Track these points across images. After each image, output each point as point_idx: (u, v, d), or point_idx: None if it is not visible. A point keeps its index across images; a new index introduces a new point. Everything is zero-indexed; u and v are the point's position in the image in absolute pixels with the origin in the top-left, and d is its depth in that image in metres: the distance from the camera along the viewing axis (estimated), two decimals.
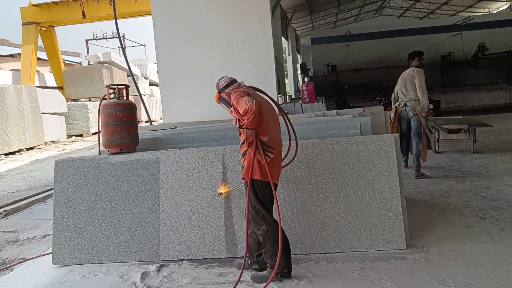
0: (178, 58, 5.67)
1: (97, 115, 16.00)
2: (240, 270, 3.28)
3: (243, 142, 3.20)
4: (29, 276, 3.93)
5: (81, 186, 4.09)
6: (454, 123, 8.02)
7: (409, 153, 6.76)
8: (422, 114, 6.32)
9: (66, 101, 17.87)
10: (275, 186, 3.23)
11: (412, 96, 6.40)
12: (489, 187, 5.40)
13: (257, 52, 5.68)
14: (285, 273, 3.27)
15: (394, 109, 6.67)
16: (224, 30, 5.61)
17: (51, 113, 16.13)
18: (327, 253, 3.76)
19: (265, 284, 3.14)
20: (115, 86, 4.27)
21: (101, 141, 4.34)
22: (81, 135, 17.82)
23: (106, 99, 4.27)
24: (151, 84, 26.17)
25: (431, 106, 8.35)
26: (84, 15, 10.15)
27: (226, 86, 3.37)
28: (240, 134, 3.25)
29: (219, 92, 3.40)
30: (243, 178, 3.23)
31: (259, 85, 5.50)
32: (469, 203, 4.83)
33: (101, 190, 4.06)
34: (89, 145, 15.26)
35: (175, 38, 5.65)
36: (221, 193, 3.56)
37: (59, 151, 14.16)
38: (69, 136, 17.50)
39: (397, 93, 6.74)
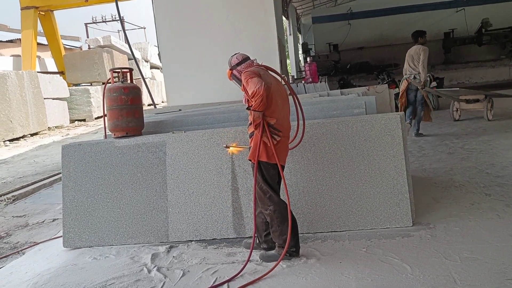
0: (179, 41, 5.63)
1: (99, 99, 15.88)
2: (250, 250, 3.33)
3: (251, 123, 3.21)
4: (41, 259, 4.00)
5: (89, 170, 4.13)
6: (471, 94, 8.98)
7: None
8: (418, 87, 7.40)
9: (68, 86, 17.82)
10: (282, 167, 3.25)
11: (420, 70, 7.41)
12: (494, 163, 5.41)
13: (260, 33, 5.64)
14: (293, 251, 3.31)
15: (404, 80, 7.65)
16: (226, 11, 5.55)
17: (53, 99, 16.10)
18: (334, 231, 3.81)
19: (275, 263, 3.19)
20: (119, 70, 4.26)
21: (106, 125, 4.36)
22: (84, 120, 17.83)
23: (110, 82, 4.26)
24: (152, 67, 26.02)
25: (434, 83, 8.61)
26: None
27: (238, 64, 3.35)
28: (249, 131, 3.29)
29: (231, 69, 3.39)
30: (250, 160, 3.25)
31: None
32: (474, 180, 4.85)
33: (108, 174, 4.10)
34: (92, 129, 15.28)
35: (177, 21, 5.60)
36: (227, 146, 3.57)
37: (62, 136, 14.20)
38: (72, 121, 17.51)
39: (405, 68, 7.71)
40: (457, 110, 9.03)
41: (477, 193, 4.42)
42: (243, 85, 3.19)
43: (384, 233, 3.66)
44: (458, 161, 5.72)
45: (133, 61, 23.04)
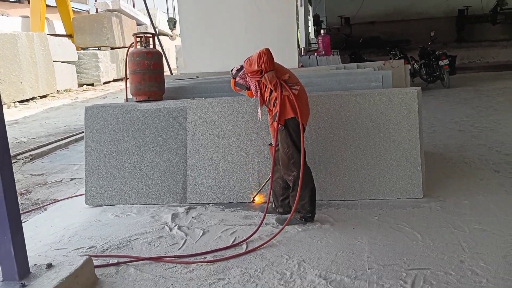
0: (200, 7, 5.63)
1: (107, 64, 15.75)
2: (263, 213, 3.48)
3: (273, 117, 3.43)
4: (64, 215, 4.18)
5: (111, 132, 4.25)
6: None
7: None
8: None
9: (76, 50, 17.78)
10: (303, 129, 3.38)
11: None
12: (503, 142, 5.51)
13: (278, 3, 5.63)
14: (309, 217, 3.47)
15: None
16: None
17: (62, 62, 16.11)
18: (346, 200, 3.96)
19: (290, 226, 3.36)
20: (142, 35, 4.32)
21: (128, 89, 4.45)
22: (92, 84, 17.85)
23: (133, 47, 4.33)
24: (160, 34, 25.80)
25: None
26: None
27: (239, 70, 3.59)
28: (272, 104, 3.46)
29: (234, 78, 3.63)
30: (278, 123, 3.35)
31: (278, 34, 5.50)
32: (484, 157, 4.96)
33: (130, 136, 4.23)
34: (101, 94, 15.36)
35: None
36: (253, 199, 3.92)
37: (72, 99, 14.30)
38: (80, 85, 17.54)
39: None
40: None
41: (486, 169, 4.54)
42: (247, 71, 3.41)
43: (396, 204, 3.81)
44: (469, 139, 5.82)
45: (140, 26, 22.84)
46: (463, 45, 17.51)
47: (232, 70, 3.68)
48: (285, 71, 3.47)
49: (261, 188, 3.88)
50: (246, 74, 3.50)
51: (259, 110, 3.64)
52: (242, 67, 3.57)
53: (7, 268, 2.54)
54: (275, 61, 3.40)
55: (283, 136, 3.38)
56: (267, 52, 3.28)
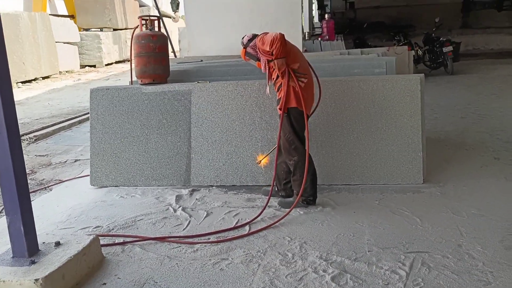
0: None
1: (109, 45, 15.74)
2: (268, 196, 3.55)
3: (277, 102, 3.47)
4: (70, 195, 4.25)
5: (116, 114, 4.30)
6: None
7: None
8: None
9: (78, 31, 17.70)
10: (307, 117, 3.42)
11: None
12: (504, 129, 5.55)
13: None
14: (310, 200, 3.54)
15: None
16: None
17: (64, 43, 16.06)
18: (348, 184, 4.02)
19: (290, 207, 3.43)
20: (147, 17, 4.33)
21: (133, 71, 4.48)
22: (94, 66, 17.83)
23: (139, 29, 4.34)
24: (162, 15, 25.60)
25: None
26: None
27: (250, 40, 3.56)
28: (276, 87, 3.50)
29: (245, 48, 3.60)
30: (280, 109, 3.40)
31: (282, 18, 5.50)
32: (484, 144, 5.01)
33: (135, 118, 4.27)
34: (103, 76, 15.34)
35: None
36: (260, 161, 3.88)
37: (74, 81, 14.30)
38: (82, 66, 17.51)
39: None
40: None
41: (486, 156, 4.59)
42: (259, 48, 3.40)
43: (396, 188, 3.87)
44: (470, 125, 5.86)
45: (143, 8, 22.64)
46: (468, 32, 17.36)
47: (243, 38, 3.64)
48: (296, 59, 3.43)
49: (269, 153, 3.90)
50: (257, 48, 3.48)
51: (267, 86, 3.66)
52: (254, 36, 3.55)
53: (17, 245, 2.62)
54: (291, 44, 3.42)
55: (285, 123, 3.42)
56: (281, 39, 3.25)
